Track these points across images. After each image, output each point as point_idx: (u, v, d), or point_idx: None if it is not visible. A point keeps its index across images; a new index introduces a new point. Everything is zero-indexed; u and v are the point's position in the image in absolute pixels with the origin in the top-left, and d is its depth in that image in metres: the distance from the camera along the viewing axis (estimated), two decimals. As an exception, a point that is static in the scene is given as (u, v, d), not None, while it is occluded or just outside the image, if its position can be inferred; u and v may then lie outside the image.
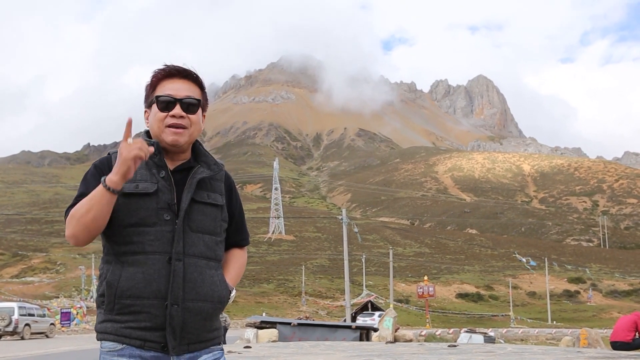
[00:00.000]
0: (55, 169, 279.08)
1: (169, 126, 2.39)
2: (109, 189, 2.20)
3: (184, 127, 2.39)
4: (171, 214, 2.32)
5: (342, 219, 42.11)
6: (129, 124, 2.25)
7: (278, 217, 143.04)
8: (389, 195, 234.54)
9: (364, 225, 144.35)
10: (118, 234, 2.32)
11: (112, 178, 2.20)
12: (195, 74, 2.47)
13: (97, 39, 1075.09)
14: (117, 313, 2.31)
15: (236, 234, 2.60)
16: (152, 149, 2.27)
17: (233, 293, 2.50)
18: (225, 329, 26.53)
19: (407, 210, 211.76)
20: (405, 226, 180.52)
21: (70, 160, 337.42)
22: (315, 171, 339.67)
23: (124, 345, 2.30)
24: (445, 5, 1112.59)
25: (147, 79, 2.52)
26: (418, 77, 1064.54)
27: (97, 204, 2.22)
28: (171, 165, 2.43)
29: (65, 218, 2.32)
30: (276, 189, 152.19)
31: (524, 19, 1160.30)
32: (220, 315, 2.49)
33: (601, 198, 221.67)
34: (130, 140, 2.21)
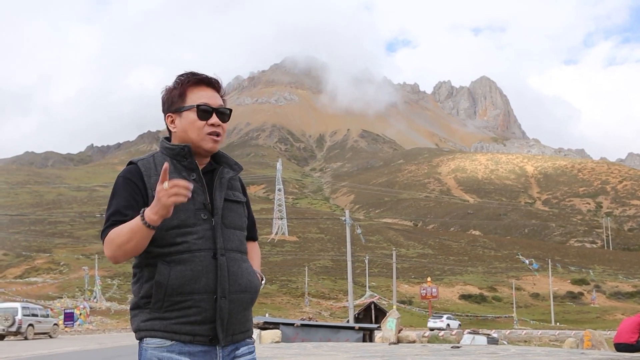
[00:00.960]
0: (59, 169, 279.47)
1: (209, 134, 2.55)
2: (148, 226, 2.30)
3: (219, 135, 2.57)
4: (207, 213, 2.48)
5: (345, 220, 42.11)
6: (166, 170, 2.27)
7: (281, 218, 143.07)
8: (392, 196, 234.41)
9: (367, 226, 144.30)
10: (160, 238, 2.43)
11: (152, 217, 2.29)
12: (220, 82, 2.64)
13: (100, 40, 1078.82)
14: (165, 310, 2.41)
15: (252, 229, 2.77)
16: (191, 185, 2.30)
17: (263, 282, 2.71)
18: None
19: (410, 212, 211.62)
20: (409, 227, 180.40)
21: (73, 161, 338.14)
22: (318, 172, 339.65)
23: (173, 342, 2.41)
24: (448, 6, 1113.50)
25: (169, 83, 2.65)
26: (421, 79, 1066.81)
27: (136, 236, 2.33)
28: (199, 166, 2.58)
29: (102, 238, 2.44)
30: (279, 190, 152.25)
31: (527, 20, 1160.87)
32: None
33: (605, 199, 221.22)
34: (166, 184, 2.26)
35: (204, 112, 2.55)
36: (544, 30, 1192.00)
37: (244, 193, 2.74)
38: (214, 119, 2.55)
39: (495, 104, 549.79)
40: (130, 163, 2.56)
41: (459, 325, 57.43)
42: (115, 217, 2.43)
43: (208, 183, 2.56)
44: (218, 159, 2.65)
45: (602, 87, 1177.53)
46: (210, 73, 2.64)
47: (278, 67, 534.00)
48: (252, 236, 2.78)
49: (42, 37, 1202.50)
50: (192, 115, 2.55)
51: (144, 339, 2.47)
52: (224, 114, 2.60)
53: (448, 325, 52.78)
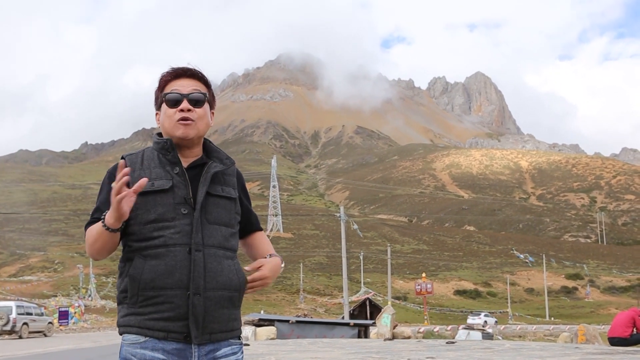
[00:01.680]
0: (53, 167, 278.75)
1: (179, 120, 2.50)
2: (107, 228, 2.33)
3: (192, 120, 2.49)
4: (188, 208, 2.42)
5: (340, 217, 42.11)
6: (121, 167, 2.32)
7: (276, 215, 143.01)
8: (387, 192, 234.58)
9: (362, 222, 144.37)
10: (138, 231, 2.41)
11: (109, 220, 2.31)
12: (200, 72, 2.60)
13: (97, 39, 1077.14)
14: (140, 306, 2.37)
15: (252, 221, 2.72)
16: (144, 182, 2.32)
17: (282, 264, 2.66)
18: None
19: (405, 208, 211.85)
20: (403, 223, 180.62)
21: (68, 159, 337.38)
22: (313, 169, 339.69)
23: (147, 338, 2.36)
24: (443, 3, 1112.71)
25: (155, 82, 2.66)
26: (416, 75, 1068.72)
27: (100, 238, 2.37)
28: (185, 163, 2.52)
29: (85, 234, 2.49)
30: (274, 186, 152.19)
31: (522, 17, 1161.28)
32: None
33: (599, 194, 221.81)
34: (113, 184, 2.29)
35: (171, 100, 2.53)
36: (539, 26, 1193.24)
37: (243, 189, 2.68)
38: (184, 104, 2.50)
39: (490, 99, 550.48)
40: (122, 158, 2.52)
41: (495, 322, 58.89)
42: (96, 215, 2.45)
43: (195, 177, 2.49)
44: (210, 154, 2.60)
45: (597, 83, 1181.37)
46: (188, 63, 2.62)
47: (273, 64, 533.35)
48: (255, 227, 2.73)
49: (40, 37, 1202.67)
50: (165, 106, 2.55)
51: (122, 335, 2.43)
52: (197, 100, 2.53)
53: (485, 322, 53.84)
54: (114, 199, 2.26)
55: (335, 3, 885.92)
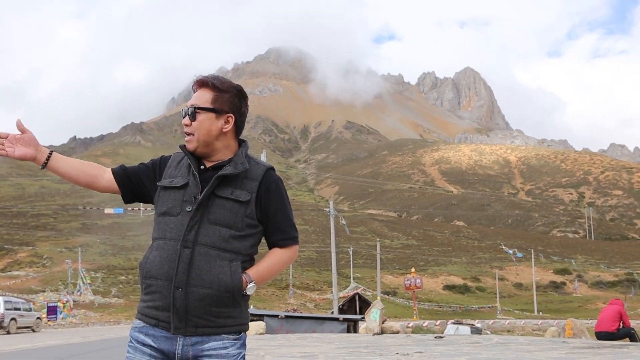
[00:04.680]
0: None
1: (185, 134, 2.74)
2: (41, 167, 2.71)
3: (191, 134, 2.68)
4: (193, 206, 2.59)
5: (329, 212, 42.13)
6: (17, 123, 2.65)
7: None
8: (376, 187, 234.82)
9: (352, 217, 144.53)
10: (155, 221, 2.68)
11: None
12: (209, 80, 2.72)
13: (87, 34, 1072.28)
14: (144, 293, 2.62)
15: (275, 234, 2.72)
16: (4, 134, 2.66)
17: (251, 285, 2.60)
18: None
19: (394, 203, 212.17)
20: (393, 218, 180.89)
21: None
22: (302, 164, 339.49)
23: (145, 324, 2.60)
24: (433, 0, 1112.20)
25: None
26: (406, 70, 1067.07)
27: None
28: (208, 164, 2.69)
29: None
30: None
31: (511, 14, 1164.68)
32: None
33: (587, 190, 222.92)
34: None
35: (183, 115, 2.73)
36: (528, 23, 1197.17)
37: (268, 196, 2.69)
38: (184, 119, 2.71)
39: (479, 95, 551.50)
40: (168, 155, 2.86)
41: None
42: (129, 168, 2.79)
43: (209, 179, 2.63)
44: (231, 158, 2.73)
45: (586, 79, 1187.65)
46: (208, 71, 2.86)
47: (262, 58, 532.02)
48: (275, 241, 2.73)
49: (34, 32, 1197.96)
50: None
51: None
52: (191, 113, 2.69)
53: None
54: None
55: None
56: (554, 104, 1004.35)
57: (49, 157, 2.65)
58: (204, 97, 2.70)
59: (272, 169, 2.79)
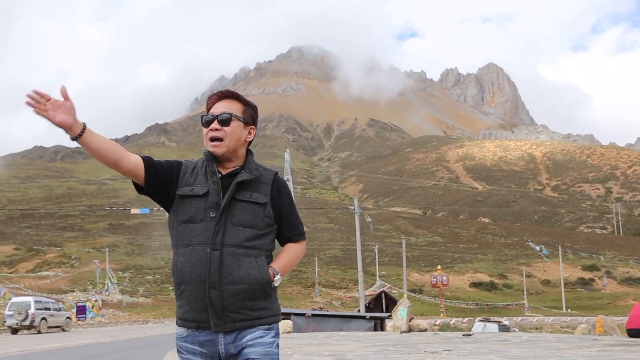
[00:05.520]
0: (68, 163, 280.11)
1: (210, 139, 2.90)
2: (71, 138, 2.73)
3: (220, 139, 2.87)
4: (216, 212, 2.77)
5: (354, 210, 42.07)
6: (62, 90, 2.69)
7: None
8: (400, 184, 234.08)
9: (377, 215, 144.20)
10: (176, 229, 2.81)
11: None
12: (235, 93, 2.98)
13: (111, 37, 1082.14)
14: (179, 299, 2.79)
15: (288, 230, 3.00)
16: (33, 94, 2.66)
17: (278, 277, 2.86)
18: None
19: (419, 200, 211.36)
20: (418, 216, 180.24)
21: (82, 154, 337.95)
22: (326, 162, 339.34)
23: (188, 331, 2.78)
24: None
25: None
26: (428, 67, 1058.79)
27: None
28: (224, 172, 2.90)
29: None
30: (288, 180, 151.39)
31: (535, 8, 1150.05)
32: None
33: (614, 185, 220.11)
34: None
35: (205, 122, 2.93)
36: (552, 18, 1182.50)
37: (280, 196, 2.95)
38: (213, 124, 2.88)
39: (503, 90, 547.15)
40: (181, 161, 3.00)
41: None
42: (153, 160, 2.87)
43: (228, 185, 2.83)
44: (244, 165, 2.95)
45: (612, 73, 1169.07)
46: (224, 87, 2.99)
47: (284, 57, 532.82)
48: (289, 237, 3.01)
49: (60, 35, 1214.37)
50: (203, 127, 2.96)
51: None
52: (224, 120, 2.88)
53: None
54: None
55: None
56: (580, 98, 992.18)
57: (83, 130, 2.71)
58: (235, 107, 2.94)
59: (277, 173, 3.05)
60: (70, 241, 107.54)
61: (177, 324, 2.84)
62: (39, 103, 2.64)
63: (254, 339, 2.76)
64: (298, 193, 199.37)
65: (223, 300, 2.69)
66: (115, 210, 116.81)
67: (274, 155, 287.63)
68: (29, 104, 2.62)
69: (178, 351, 2.83)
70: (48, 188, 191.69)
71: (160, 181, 2.84)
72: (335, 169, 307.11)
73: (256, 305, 2.77)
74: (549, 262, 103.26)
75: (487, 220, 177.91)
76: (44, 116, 2.63)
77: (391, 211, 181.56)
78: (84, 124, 2.73)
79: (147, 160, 2.85)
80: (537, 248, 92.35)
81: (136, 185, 2.88)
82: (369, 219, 47.19)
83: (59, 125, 2.66)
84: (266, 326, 2.81)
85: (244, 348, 2.75)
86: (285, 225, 2.98)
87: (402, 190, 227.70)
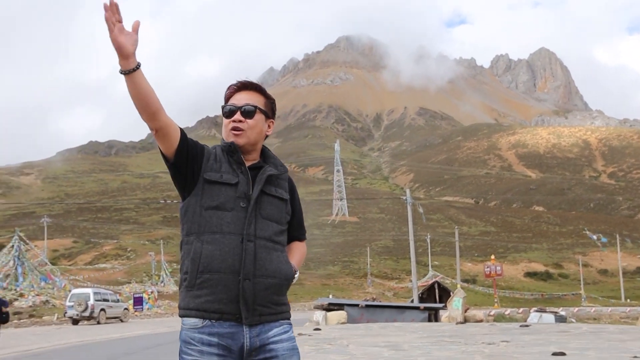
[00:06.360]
0: (122, 157, 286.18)
1: (231, 130, 2.84)
2: (121, 72, 2.59)
3: (241, 130, 2.82)
4: (246, 203, 2.72)
5: (406, 200, 41.81)
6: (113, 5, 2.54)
7: (341, 199, 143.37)
8: (452, 174, 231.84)
9: (428, 205, 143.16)
10: (199, 214, 2.70)
11: (119, 62, 2.59)
12: (257, 85, 2.92)
13: (162, 32, 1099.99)
14: (198, 288, 2.64)
15: (297, 229, 3.00)
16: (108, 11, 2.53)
17: (297, 274, 2.87)
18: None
19: (471, 189, 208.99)
20: (470, 205, 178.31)
21: (135, 148, 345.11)
22: (376, 152, 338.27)
23: (204, 322, 2.63)
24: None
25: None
26: (478, 54, 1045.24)
27: (129, 90, 2.65)
28: (247, 163, 2.85)
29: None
30: (338, 171, 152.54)
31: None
32: None
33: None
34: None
35: (226, 112, 2.87)
36: (604, 0, 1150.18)
37: (293, 195, 2.96)
38: (236, 115, 2.83)
39: (556, 75, 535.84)
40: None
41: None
42: (186, 135, 2.77)
43: (253, 178, 2.79)
44: (267, 159, 2.92)
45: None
46: (248, 77, 2.96)
47: (333, 47, 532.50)
48: (297, 236, 3.01)
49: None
50: (224, 117, 2.90)
51: (183, 319, 2.70)
52: (248, 112, 2.84)
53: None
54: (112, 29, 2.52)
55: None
56: (636, 82, 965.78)
57: (138, 66, 2.64)
58: (258, 99, 2.89)
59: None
60: (125, 234, 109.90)
61: (185, 315, 2.69)
62: (112, 14, 2.55)
63: (280, 334, 2.74)
64: (348, 183, 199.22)
65: (255, 293, 2.64)
66: (169, 203, 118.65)
67: (324, 146, 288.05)
68: (105, 7, 2.53)
69: (185, 342, 2.67)
70: (103, 182, 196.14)
71: (189, 156, 2.75)
72: (385, 158, 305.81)
73: (281, 300, 2.77)
74: (606, 251, 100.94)
75: (541, 208, 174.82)
76: (109, 28, 2.53)
77: (443, 201, 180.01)
78: (139, 62, 2.64)
79: (183, 130, 2.77)
80: (595, 237, 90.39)
81: (163, 156, 2.80)
82: (420, 209, 46.91)
83: (118, 46, 2.53)
84: (287, 321, 2.81)
85: (269, 343, 2.70)
86: (297, 223, 2.98)
87: (454, 180, 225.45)
